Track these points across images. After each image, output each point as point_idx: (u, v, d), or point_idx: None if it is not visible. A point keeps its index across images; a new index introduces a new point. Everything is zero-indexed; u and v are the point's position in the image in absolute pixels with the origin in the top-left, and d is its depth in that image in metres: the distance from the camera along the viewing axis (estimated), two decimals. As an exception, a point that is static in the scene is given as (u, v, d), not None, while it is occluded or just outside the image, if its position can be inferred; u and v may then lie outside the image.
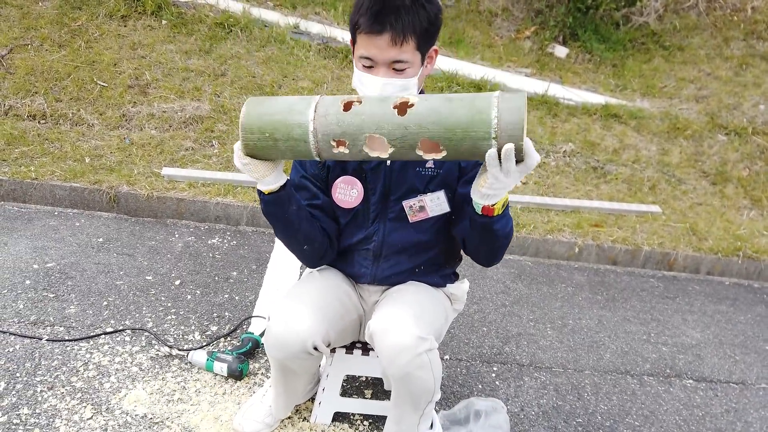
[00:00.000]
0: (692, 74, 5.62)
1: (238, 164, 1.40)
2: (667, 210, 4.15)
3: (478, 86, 4.66)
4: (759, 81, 5.60)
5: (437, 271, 1.75)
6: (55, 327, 2.21)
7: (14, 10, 4.29)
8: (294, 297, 1.62)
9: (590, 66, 5.58)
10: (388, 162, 1.58)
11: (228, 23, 4.57)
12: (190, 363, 2.10)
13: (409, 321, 1.49)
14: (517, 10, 5.86)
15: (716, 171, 4.66)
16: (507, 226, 1.46)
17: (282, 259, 2.96)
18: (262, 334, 2.30)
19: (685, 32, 6.02)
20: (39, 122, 3.68)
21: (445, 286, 1.78)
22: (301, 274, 2.81)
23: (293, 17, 4.94)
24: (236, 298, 2.61)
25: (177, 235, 3.10)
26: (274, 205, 1.50)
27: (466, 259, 1.71)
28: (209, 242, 3.08)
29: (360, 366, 1.86)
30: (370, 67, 1.46)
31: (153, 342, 2.20)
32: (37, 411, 1.81)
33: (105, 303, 2.41)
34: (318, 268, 1.79)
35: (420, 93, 1.57)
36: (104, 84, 3.96)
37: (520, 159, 1.24)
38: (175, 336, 2.28)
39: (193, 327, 2.35)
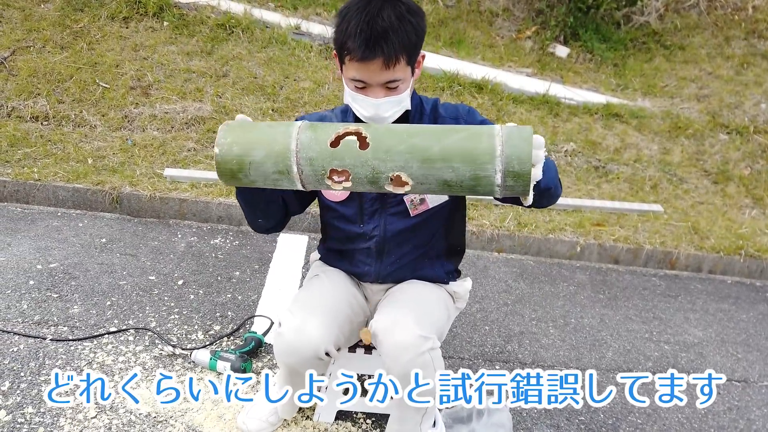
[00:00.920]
0: (693, 73, 5.62)
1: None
2: (669, 209, 4.15)
3: (479, 86, 4.68)
4: (760, 80, 5.60)
5: (441, 266, 1.76)
6: (59, 327, 2.22)
7: (16, 12, 4.31)
8: (304, 303, 1.62)
9: (591, 66, 5.58)
10: None
11: (229, 24, 4.58)
12: (194, 362, 2.12)
13: (411, 320, 1.50)
14: (517, 10, 5.86)
15: (718, 170, 4.66)
16: (550, 177, 1.41)
17: (285, 258, 2.97)
18: (265, 334, 2.31)
19: (686, 31, 6.01)
20: (42, 124, 3.69)
21: (447, 282, 1.79)
22: (303, 274, 2.82)
23: (294, 18, 4.95)
24: (239, 297, 2.62)
25: (180, 236, 3.11)
26: (249, 192, 1.53)
27: (467, 259, 1.72)
28: (212, 242, 3.09)
29: (363, 365, 1.87)
30: (363, 87, 1.44)
31: (156, 341, 2.21)
32: (42, 410, 1.82)
33: (108, 303, 2.42)
34: (323, 270, 1.79)
35: (412, 96, 1.57)
36: (106, 85, 3.97)
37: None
38: (179, 335, 2.29)
39: (196, 326, 2.36)
